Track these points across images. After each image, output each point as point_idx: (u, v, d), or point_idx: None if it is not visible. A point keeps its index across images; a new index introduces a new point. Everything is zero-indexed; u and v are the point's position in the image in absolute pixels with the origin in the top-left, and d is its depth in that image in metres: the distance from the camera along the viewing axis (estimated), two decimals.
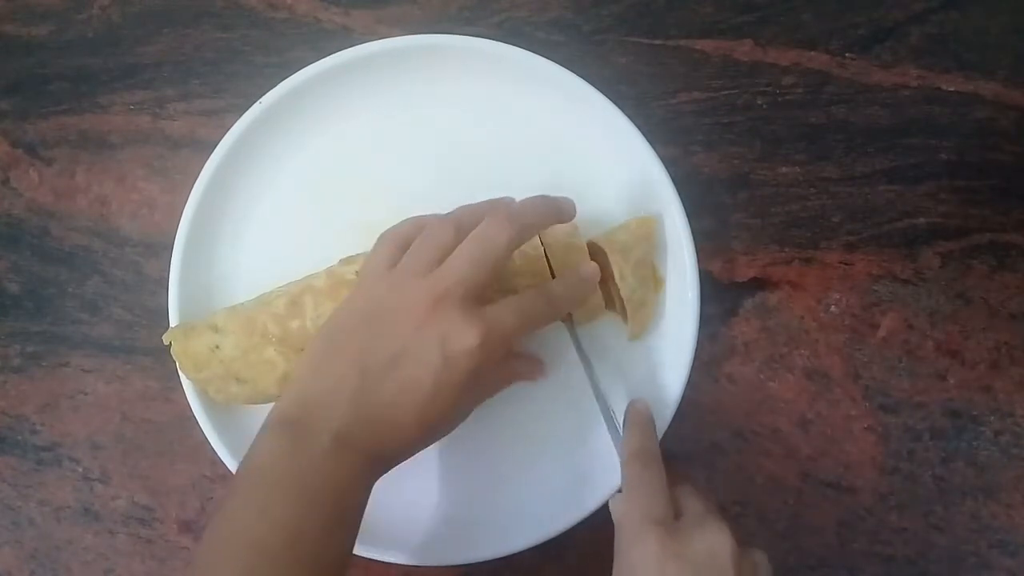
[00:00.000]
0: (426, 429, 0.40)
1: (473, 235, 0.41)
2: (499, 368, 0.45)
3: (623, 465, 0.42)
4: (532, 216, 0.42)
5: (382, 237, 0.44)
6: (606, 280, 0.47)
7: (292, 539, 0.36)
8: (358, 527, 0.40)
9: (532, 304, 0.42)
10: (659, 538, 0.37)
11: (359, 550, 0.46)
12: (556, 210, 0.44)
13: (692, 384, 0.48)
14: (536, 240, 0.46)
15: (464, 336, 0.39)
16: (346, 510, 0.39)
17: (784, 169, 0.51)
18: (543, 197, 0.44)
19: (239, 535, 0.36)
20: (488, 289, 0.42)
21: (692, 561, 0.36)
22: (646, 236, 0.48)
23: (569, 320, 0.48)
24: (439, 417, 0.40)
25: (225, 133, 0.49)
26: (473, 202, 0.44)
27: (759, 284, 0.51)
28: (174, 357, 0.46)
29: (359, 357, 0.39)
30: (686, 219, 0.48)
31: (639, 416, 0.45)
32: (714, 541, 0.37)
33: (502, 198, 0.44)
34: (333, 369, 0.40)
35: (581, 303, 0.46)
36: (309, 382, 0.40)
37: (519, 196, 0.49)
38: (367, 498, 0.40)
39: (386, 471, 0.41)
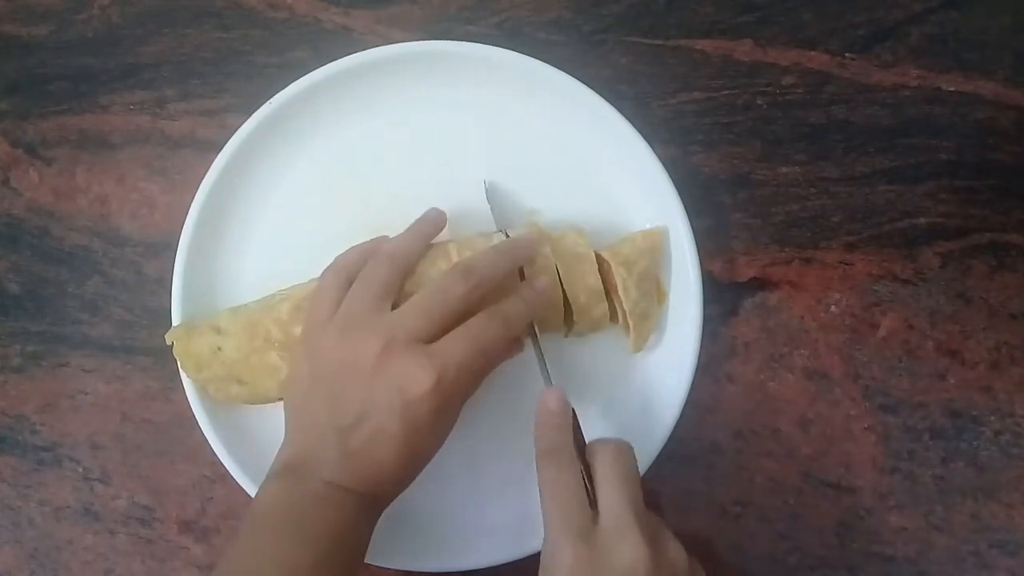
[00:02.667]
0: (410, 465, 0.42)
1: (427, 288, 0.42)
2: None
3: (536, 460, 0.41)
4: (494, 274, 0.43)
5: (324, 273, 0.44)
6: (610, 292, 0.47)
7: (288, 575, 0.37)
8: (357, 562, 0.41)
9: (483, 328, 0.41)
10: (574, 549, 0.37)
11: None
12: (515, 260, 0.44)
13: (692, 384, 0.48)
14: (546, 249, 0.46)
15: (418, 381, 0.39)
16: (341, 546, 0.39)
17: (784, 169, 0.51)
18: (503, 252, 0.44)
19: (240, 574, 0.38)
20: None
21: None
22: (651, 249, 0.48)
23: (533, 334, 0.46)
24: (421, 450, 0.41)
25: (225, 133, 0.49)
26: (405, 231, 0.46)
27: (759, 284, 0.51)
28: (176, 357, 0.46)
29: (329, 417, 0.41)
30: (692, 234, 0.48)
31: (548, 410, 0.42)
32: (630, 556, 0.36)
33: (425, 222, 0.46)
34: (312, 427, 0.41)
35: (540, 315, 0.45)
36: (299, 436, 0.42)
37: (521, 201, 0.50)
38: (368, 533, 0.42)
39: (386, 505, 0.43)
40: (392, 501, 0.43)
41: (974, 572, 0.49)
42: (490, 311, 0.42)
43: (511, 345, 0.46)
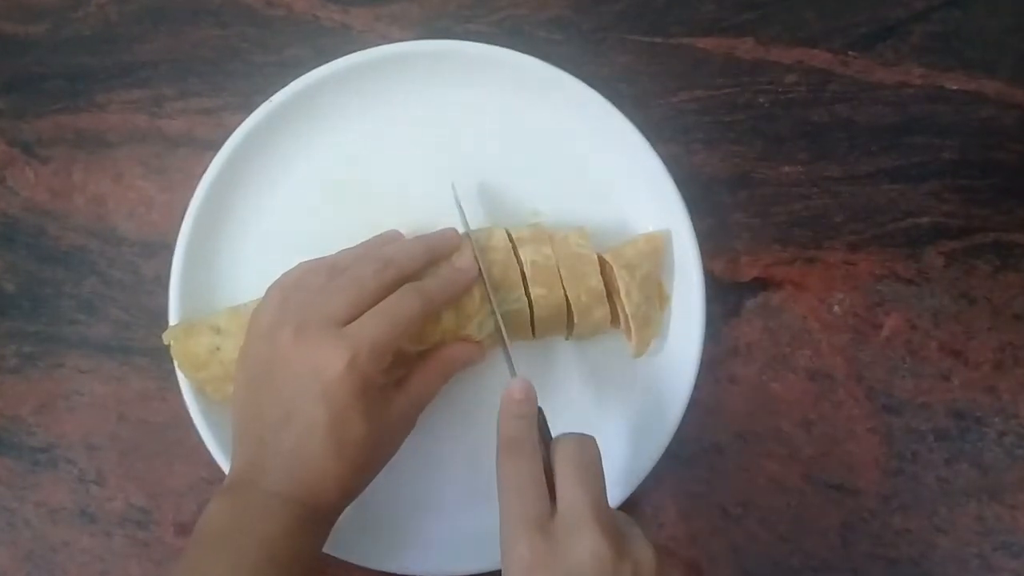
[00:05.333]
0: (352, 463, 0.40)
1: (341, 275, 0.42)
2: (425, 367, 0.44)
3: (497, 450, 0.40)
4: (407, 259, 0.43)
5: (271, 287, 0.44)
6: (611, 295, 0.47)
7: None
8: (303, 574, 0.40)
9: (401, 304, 0.41)
10: (530, 542, 0.35)
11: (355, 558, 0.46)
12: (432, 250, 0.44)
13: (694, 385, 0.47)
14: (548, 249, 0.45)
15: (331, 360, 0.38)
16: (281, 560, 0.38)
17: (786, 168, 0.51)
18: (420, 240, 0.45)
19: None
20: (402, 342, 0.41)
21: (562, 572, 0.35)
22: (654, 252, 0.48)
23: (500, 333, 0.45)
24: (359, 446, 0.40)
25: (223, 131, 0.49)
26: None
27: (761, 284, 0.51)
28: (173, 356, 0.46)
29: (261, 420, 0.40)
30: (694, 236, 0.47)
31: (512, 399, 0.41)
32: (587, 549, 0.35)
33: (383, 240, 0.46)
34: (250, 436, 0.41)
35: (459, 295, 0.44)
36: (240, 449, 0.42)
37: (523, 202, 0.50)
38: (314, 545, 0.41)
39: (336, 515, 0.42)
40: (342, 509, 0.42)
41: (978, 574, 0.49)
42: (405, 287, 0.41)
43: (470, 350, 0.45)
